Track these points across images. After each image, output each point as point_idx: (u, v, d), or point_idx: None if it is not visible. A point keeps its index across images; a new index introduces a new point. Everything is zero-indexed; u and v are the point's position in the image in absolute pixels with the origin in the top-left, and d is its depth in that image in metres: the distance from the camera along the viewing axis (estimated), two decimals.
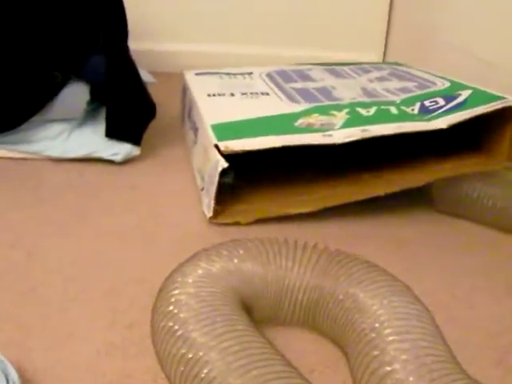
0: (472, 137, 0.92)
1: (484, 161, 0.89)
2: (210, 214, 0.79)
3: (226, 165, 0.75)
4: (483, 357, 0.59)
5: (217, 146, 0.78)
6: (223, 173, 0.76)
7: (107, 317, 0.61)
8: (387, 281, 0.57)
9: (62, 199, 0.85)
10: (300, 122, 0.86)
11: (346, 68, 1.16)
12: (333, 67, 1.17)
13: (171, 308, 0.52)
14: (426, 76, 1.04)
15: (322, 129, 0.83)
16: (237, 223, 0.80)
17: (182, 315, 0.51)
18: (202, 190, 0.83)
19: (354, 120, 0.85)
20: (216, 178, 0.76)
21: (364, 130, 0.81)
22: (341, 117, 0.86)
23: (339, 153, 0.87)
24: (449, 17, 1.28)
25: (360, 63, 1.21)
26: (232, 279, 0.56)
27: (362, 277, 0.57)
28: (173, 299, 0.52)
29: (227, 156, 0.76)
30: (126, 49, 0.97)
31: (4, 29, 0.86)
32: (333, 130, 0.82)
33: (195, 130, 0.92)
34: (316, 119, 0.86)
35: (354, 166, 0.89)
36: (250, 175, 0.86)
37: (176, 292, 0.53)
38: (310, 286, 0.57)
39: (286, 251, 0.59)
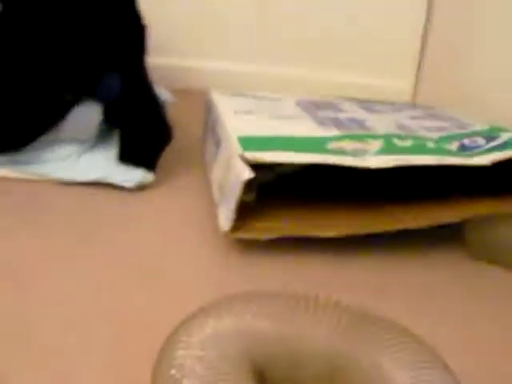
0: (509, 181, 0.87)
1: None
2: (227, 227, 0.73)
3: (252, 175, 0.69)
4: None
5: (243, 157, 0.72)
6: (245, 191, 0.71)
7: (105, 371, 0.55)
8: (416, 349, 0.51)
9: (65, 227, 0.80)
10: (331, 145, 0.80)
11: (378, 106, 1.10)
12: (364, 103, 1.11)
13: (173, 372, 0.46)
14: (463, 118, 0.99)
15: (355, 153, 0.77)
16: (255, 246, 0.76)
17: (184, 382, 0.45)
18: (220, 204, 0.78)
19: (389, 148, 0.80)
20: (238, 189, 0.70)
21: (401, 159, 0.76)
22: (375, 144, 0.81)
23: (369, 185, 0.84)
24: (489, 45, 1.22)
25: (391, 103, 1.16)
26: (243, 339, 0.50)
27: (389, 342, 0.51)
28: (176, 362, 0.47)
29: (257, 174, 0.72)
30: (142, 68, 0.92)
31: (16, 50, 0.82)
32: (366, 155, 0.77)
33: (218, 143, 0.86)
34: (349, 143, 0.81)
35: (384, 200, 0.84)
36: (274, 197, 0.82)
37: (179, 354, 0.47)
38: (330, 349, 0.51)
39: (306, 308, 0.53)
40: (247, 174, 0.69)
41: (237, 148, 0.74)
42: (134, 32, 0.92)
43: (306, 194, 0.86)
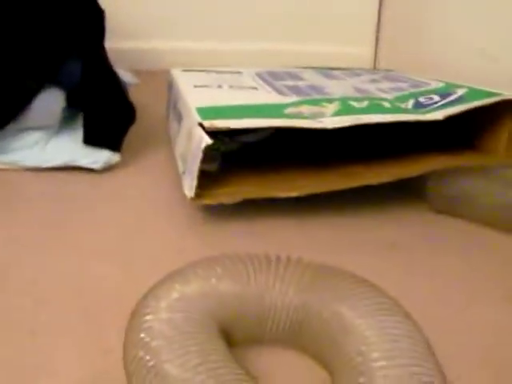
0: (468, 137, 0.89)
1: (480, 156, 0.86)
2: (191, 194, 0.76)
3: (210, 141, 0.71)
4: (480, 373, 0.56)
5: (201, 125, 0.74)
6: (207, 161, 0.73)
7: (80, 344, 0.57)
8: (375, 298, 0.53)
9: (37, 212, 0.81)
10: (289, 110, 0.82)
11: (337, 71, 1.12)
12: (324, 70, 1.13)
13: (143, 335, 0.48)
14: (420, 78, 1.01)
15: (312, 116, 0.79)
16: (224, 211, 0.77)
17: (154, 344, 0.47)
18: (184, 173, 0.79)
19: (345, 110, 0.82)
20: (200, 156, 0.72)
21: (357, 119, 0.78)
22: (332, 107, 0.83)
23: (331, 147, 0.86)
24: (443, 6, 1.24)
25: (351, 68, 1.18)
26: (209, 301, 0.52)
27: (349, 293, 0.53)
28: (144, 326, 0.49)
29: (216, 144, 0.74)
30: (102, 53, 0.93)
31: None
32: (323, 117, 0.79)
33: (179, 118, 0.88)
34: (306, 108, 0.83)
35: (346, 160, 0.86)
36: (238, 166, 0.84)
37: (148, 318, 0.49)
38: (293, 304, 0.53)
39: (267, 267, 0.55)
40: (205, 140, 0.71)
41: (196, 117, 0.76)
42: (91, 17, 0.93)
43: (270, 161, 0.88)
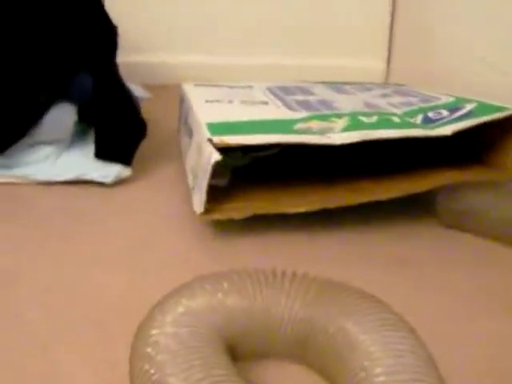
0: (477, 152, 0.89)
1: (488, 171, 0.86)
2: (200, 209, 0.76)
3: (219, 157, 0.72)
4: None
5: (210, 141, 0.75)
6: (217, 176, 0.74)
7: (89, 356, 0.58)
8: (380, 313, 0.53)
9: (47, 225, 0.82)
10: (299, 126, 0.83)
11: (348, 86, 1.13)
12: (335, 85, 1.14)
13: (149, 350, 0.49)
14: (430, 93, 1.02)
15: (321, 132, 0.80)
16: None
17: (159, 358, 0.47)
18: (193, 188, 0.80)
19: (354, 125, 0.83)
20: (209, 172, 0.73)
21: (365, 134, 0.79)
22: (341, 123, 0.83)
23: (340, 162, 0.87)
24: (453, 21, 1.25)
25: (363, 83, 1.18)
26: (215, 316, 0.52)
27: (354, 308, 0.53)
28: (150, 340, 0.49)
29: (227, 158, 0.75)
30: (113, 67, 0.94)
31: None
32: (332, 133, 0.79)
33: (190, 133, 0.89)
34: (315, 124, 0.83)
35: (355, 176, 0.86)
36: (247, 179, 0.85)
37: (154, 332, 0.50)
38: (298, 318, 0.54)
39: (273, 283, 0.55)
40: (215, 156, 0.71)
41: (205, 133, 0.76)
42: (103, 32, 0.94)
43: (281, 176, 0.88)
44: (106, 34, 0.94)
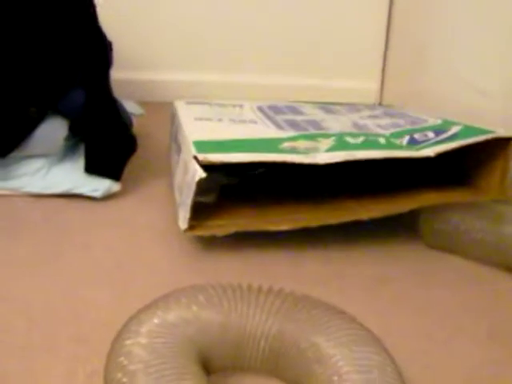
0: (462, 174, 0.90)
1: (472, 192, 0.87)
2: (184, 226, 0.78)
3: (204, 175, 0.73)
4: None
5: (196, 158, 0.76)
6: (205, 193, 0.75)
7: (68, 366, 0.59)
8: (352, 329, 0.54)
9: (36, 238, 0.83)
10: (285, 145, 0.84)
11: (338, 107, 1.15)
12: (325, 105, 1.15)
13: (122, 359, 0.50)
14: (419, 115, 1.03)
15: (306, 151, 0.81)
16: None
17: (131, 367, 0.49)
18: (180, 205, 0.81)
19: (340, 146, 0.84)
20: (193, 189, 0.74)
21: (349, 154, 0.80)
22: (327, 143, 0.84)
23: (326, 182, 0.89)
24: (444, 46, 1.27)
25: (353, 104, 1.20)
26: (189, 328, 0.53)
27: (326, 324, 0.54)
28: (124, 350, 0.50)
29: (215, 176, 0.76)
30: (105, 83, 0.96)
31: None
32: (317, 152, 0.81)
33: (179, 150, 0.90)
34: (301, 143, 0.85)
35: (341, 195, 0.88)
36: (234, 196, 0.87)
37: (128, 342, 0.51)
38: (271, 333, 0.55)
39: (248, 297, 0.56)
40: (199, 174, 0.72)
41: (191, 151, 0.78)
42: (96, 48, 0.95)
43: (269, 195, 0.90)
44: (98, 50, 0.95)
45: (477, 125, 0.90)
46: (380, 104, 1.57)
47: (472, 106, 1.08)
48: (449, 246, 0.84)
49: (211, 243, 0.82)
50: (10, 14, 0.88)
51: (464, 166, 0.90)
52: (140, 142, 1.02)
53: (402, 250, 0.85)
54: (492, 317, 0.71)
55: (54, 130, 0.92)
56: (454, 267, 0.82)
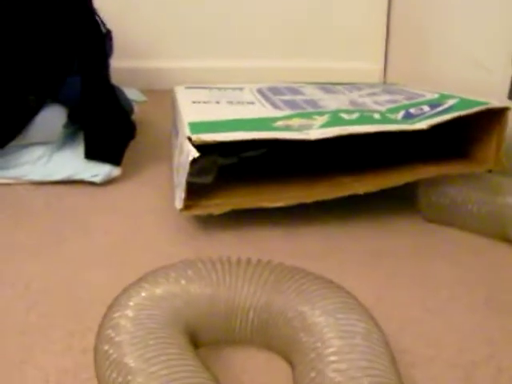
0: (459, 147, 0.90)
1: (468, 164, 0.87)
2: (180, 205, 0.79)
3: (196, 154, 0.74)
4: (450, 374, 0.57)
5: (189, 139, 0.77)
6: (203, 173, 0.76)
7: (64, 342, 0.60)
8: (338, 297, 0.55)
9: (38, 223, 0.85)
10: (279, 123, 0.85)
11: (339, 86, 1.14)
12: (326, 85, 1.15)
13: (109, 331, 0.51)
14: (417, 90, 1.03)
15: (299, 129, 0.81)
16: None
17: (117, 339, 0.50)
18: (177, 186, 0.82)
19: (333, 122, 0.84)
20: (187, 169, 0.75)
21: (342, 130, 0.80)
22: (321, 120, 0.85)
23: (323, 159, 0.89)
24: (444, 22, 1.26)
25: (354, 83, 1.19)
26: (176, 301, 0.54)
27: (312, 294, 0.55)
28: (112, 322, 0.52)
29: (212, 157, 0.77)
30: (103, 70, 0.97)
31: None
32: (310, 129, 0.81)
33: (177, 133, 0.91)
34: (296, 121, 0.85)
35: (337, 172, 0.88)
36: (231, 176, 0.88)
37: (116, 315, 0.52)
38: (260, 304, 0.56)
39: (237, 270, 0.57)
40: (192, 154, 0.73)
41: (186, 132, 0.78)
42: (93, 36, 0.97)
43: (267, 174, 0.90)
44: (95, 38, 0.96)
45: (473, 97, 0.89)
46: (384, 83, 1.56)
47: (474, 81, 1.07)
48: (446, 218, 0.84)
49: (209, 222, 0.83)
50: (7, 4, 0.89)
51: (460, 138, 0.90)
52: (142, 128, 1.04)
53: (399, 224, 0.85)
54: (489, 286, 0.71)
55: (53, 118, 0.93)
56: (452, 239, 0.82)
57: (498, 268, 0.76)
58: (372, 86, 1.18)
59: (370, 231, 0.84)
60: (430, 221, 0.86)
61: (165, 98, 1.23)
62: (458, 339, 0.62)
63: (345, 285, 0.58)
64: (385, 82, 1.58)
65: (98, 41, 0.96)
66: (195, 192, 0.79)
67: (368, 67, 1.60)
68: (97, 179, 0.93)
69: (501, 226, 0.80)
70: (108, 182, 0.96)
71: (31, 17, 0.90)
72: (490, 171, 0.86)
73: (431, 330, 0.64)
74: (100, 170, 0.93)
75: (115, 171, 0.94)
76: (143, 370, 0.46)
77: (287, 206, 0.80)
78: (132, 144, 1.00)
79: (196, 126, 0.81)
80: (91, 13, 0.97)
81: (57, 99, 0.92)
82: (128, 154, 0.98)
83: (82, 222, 0.86)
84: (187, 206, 0.78)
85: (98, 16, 1.01)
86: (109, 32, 1.05)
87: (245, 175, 0.90)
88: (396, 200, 0.88)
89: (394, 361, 0.50)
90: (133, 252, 0.78)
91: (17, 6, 0.88)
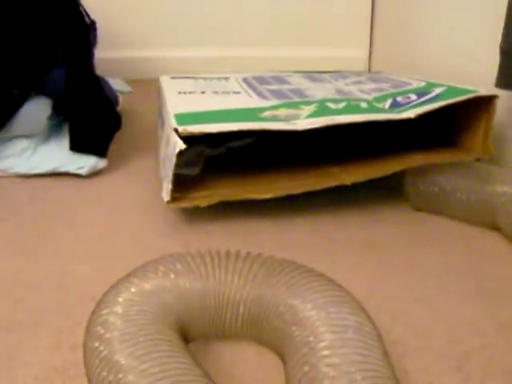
0: (447, 135, 0.90)
1: (456, 153, 0.87)
2: (167, 197, 0.78)
3: (183, 146, 0.73)
4: (441, 365, 0.57)
5: (176, 130, 0.76)
6: (189, 164, 0.75)
7: (52, 338, 0.60)
8: (329, 291, 0.54)
9: (23, 217, 0.84)
10: (266, 113, 0.84)
11: (325, 75, 1.14)
12: (312, 74, 1.15)
13: (98, 328, 0.50)
14: (404, 79, 1.02)
15: (286, 119, 0.81)
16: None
17: (107, 336, 0.49)
18: (163, 178, 0.81)
19: (321, 112, 0.84)
20: (174, 161, 0.74)
21: (329, 119, 0.79)
22: (308, 109, 0.84)
23: (310, 149, 0.88)
24: (429, 10, 1.26)
25: (340, 71, 1.19)
26: (166, 296, 0.54)
27: (303, 287, 0.55)
28: (101, 319, 0.51)
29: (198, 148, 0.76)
30: (87, 62, 0.96)
31: None
32: (297, 119, 0.80)
33: (163, 124, 0.90)
34: (282, 111, 0.85)
35: (324, 163, 0.87)
36: (218, 168, 0.87)
37: (105, 311, 0.51)
38: (250, 298, 0.55)
39: (226, 263, 0.57)
40: (179, 146, 0.72)
41: (172, 123, 0.78)
42: (76, 27, 0.95)
43: (255, 165, 0.90)
44: (78, 29, 0.95)
45: (460, 85, 0.89)
46: (369, 71, 1.56)
47: (459, 68, 1.07)
48: (435, 207, 0.84)
49: (196, 215, 0.82)
50: None
51: (448, 126, 0.90)
52: (127, 119, 1.03)
53: (388, 214, 0.85)
54: (478, 275, 0.72)
55: (37, 110, 0.92)
56: (441, 228, 0.82)
57: (487, 256, 0.76)
58: (357, 74, 1.18)
59: (358, 221, 0.84)
60: (418, 209, 0.86)
61: (150, 88, 1.22)
62: (448, 329, 0.62)
63: (335, 277, 0.58)
64: (370, 70, 1.58)
65: (83, 32, 0.95)
66: (182, 184, 0.78)
67: (353, 55, 1.59)
68: (82, 171, 0.92)
69: (490, 215, 0.80)
70: (94, 174, 0.94)
71: (14, 9, 0.88)
72: (478, 160, 0.86)
73: (422, 320, 0.63)
74: (86, 162, 0.92)
75: (101, 163, 0.93)
76: (134, 367, 0.45)
77: (275, 197, 0.79)
78: (117, 135, 0.99)
79: (182, 118, 0.80)
80: (75, 4, 0.95)
81: (41, 91, 0.91)
82: (113, 146, 0.98)
83: (68, 214, 0.85)
84: (174, 199, 0.77)
85: (82, 7, 0.99)
86: (93, 23, 1.04)
87: (232, 166, 0.90)
88: (383, 189, 0.88)
89: (386, 354, 0.50)
90: (119, 245, 0.77)
91: None
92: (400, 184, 0.87)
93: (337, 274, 0.59)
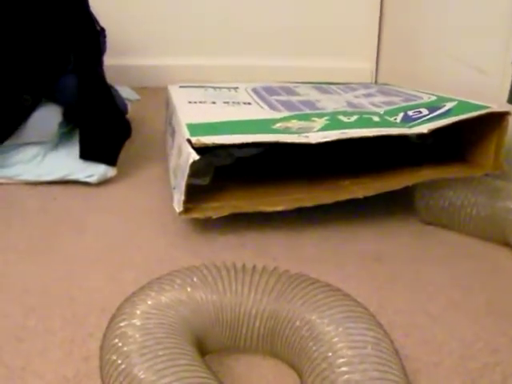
0: (458, 150, 0.90)
1: (467, 168, 0.87)
2: (179, 208, 0.77)
3: (197, 157, 0.73)
4: (455, 381, 0.57)
5: (189, 141, 0.75)
6: (200, 174, 0.75)
7: (64, 349, 0.59)
8: (346, 306, 0.54)
9: (32, 224, 0.84)
10: (278, 125, 0.84)
11: (333, 86, 1.14)
12: (321, 85, 1.15)
13: (116, 341, 0.50)
14: (413, 92, 1.02)
15: (299, 131, 0.81)
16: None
17: (125, 349, 0.49)
18: (174, 188, 0.81)
19: (333, 125, 0.84)
20: (187, 172, 0.74)
21: (342, 133, 0.79)
22: (320, 122, 0.84)
23: (321, 161, 0.88)
24: (437, 23, 1.26)
25: (348, 83, 1.19)
26: (183, 309, 0.54)
27: (320, 302, 0.54)
28: (118, 331, 0.51)
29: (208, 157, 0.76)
30: (98, 69, 0.96)
31: None
32: (310, 132, 0.80)
33: (173, 133, 0.90)
34: (294, 123, 0.84)
35: (336, 174, 0.87)
36: (229, 178, 0.87)
37: (122, 324, 0.51)
38: (266, 312, 0.55)
39: (243, 277, 0.56)
40: (192, 156, 0.72)
41: (185, 133, 0.77)
42: (87, 34, 0.95)
43: (264, 175, 0.89)
44: (89, 36, 0.95)
45: (471, 100, 0.89)
46: (376, 83, 1.56)
47: (466, 82, 1.07)
48: (444, 221, 0.84)
49: (207, 225, 0.82)
50: (2, 3, 0.87)
51: (459, 141, 0.90)
52: (135, 127, 1.02)
53: (398, 227, 0.85)
54: (489, 291, 0.71)
55: (48, 117, 0.92)
56: (450, 243, 0.82)
57: (497, 272, 0.76)
58: (366, 86, 1.18)
59: (367, 234, 0.84)
60: (428, 223, 0.86)
61: (157, 96, 1.22)
62: (460, 345, 0.62)
63: (346, 291, 0.58)
64: (376, 82, 1.58)
65: (94, 39, 0.95)
66: (193, 194, 0.78)
67: (360, 66, 1.59)
68: (92, 180, 0.92)
69: (500, 230, 0.79)
70: (103, 182, 0.94)
71: (26, 15, 0.88)
72: (488, 175, 0.86)
73: (433, 335, 0.63)
74: (95, 171, 0.92)
75: (111, 172, 0.93)
76: (153, 381, 0.45)
77: (287, 210, 0.79)
78: (126, 143, 0.99)
79: (195, 128, 0.80)
80: (86, 11, 0.95)
81: (52, 98, 0.91)
82: (122, 154, 0.97)
83: (78, 223, 0.85)
84: (186, 209, 0.77)
85: (92, 14, 0.99)
86: (102, 30, 1.04)
87: (241, 176, 0.90)
88: (393, 202, 0.88)
89: (404, 370, 0.50)
90: (129, 254, 0.77)
91: (12, 5, 0.87)
92: (410, 197, 0.87)
93: (348, 288, 0.59)
